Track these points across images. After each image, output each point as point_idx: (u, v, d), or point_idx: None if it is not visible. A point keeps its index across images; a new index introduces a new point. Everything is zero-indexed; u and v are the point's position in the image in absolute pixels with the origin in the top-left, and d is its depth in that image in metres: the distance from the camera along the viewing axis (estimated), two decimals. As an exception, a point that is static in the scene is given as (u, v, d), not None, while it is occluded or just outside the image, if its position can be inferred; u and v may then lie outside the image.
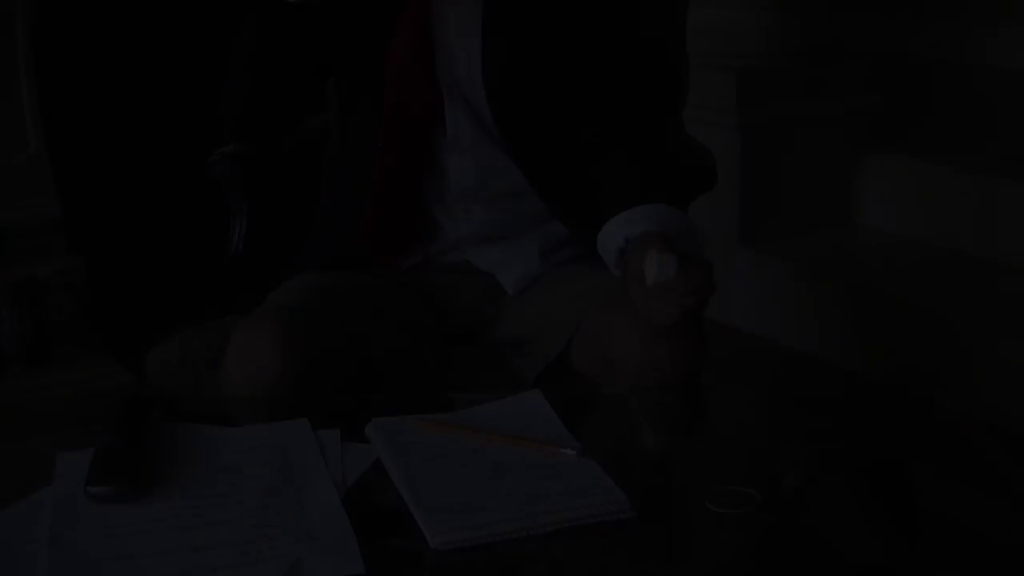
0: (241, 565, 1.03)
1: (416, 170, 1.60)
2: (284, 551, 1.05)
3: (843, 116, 3.13)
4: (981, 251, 2.89)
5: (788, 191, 3.08)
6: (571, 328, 1.52)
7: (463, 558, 1.05)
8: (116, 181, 3.23)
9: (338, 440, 1.24)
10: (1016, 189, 2.81)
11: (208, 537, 1.07)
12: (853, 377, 2.73)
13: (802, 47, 3.12)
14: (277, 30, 1.54)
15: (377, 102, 1.56)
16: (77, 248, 2.77)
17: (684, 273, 1.32)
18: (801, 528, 1.07)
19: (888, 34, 3.21)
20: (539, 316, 1.57)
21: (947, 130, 3.29)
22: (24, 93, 2.68)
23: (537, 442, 1.22)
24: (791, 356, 2.91)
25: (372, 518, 1.11)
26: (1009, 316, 2.57)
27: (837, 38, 3.28)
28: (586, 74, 1.56)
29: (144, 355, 1.67)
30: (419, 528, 1.08)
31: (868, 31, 3.26)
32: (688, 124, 1.88)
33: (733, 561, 1.10)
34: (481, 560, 1.05)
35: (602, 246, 1.49)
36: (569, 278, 1.60)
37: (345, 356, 1.50)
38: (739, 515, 1.11)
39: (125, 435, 1.18)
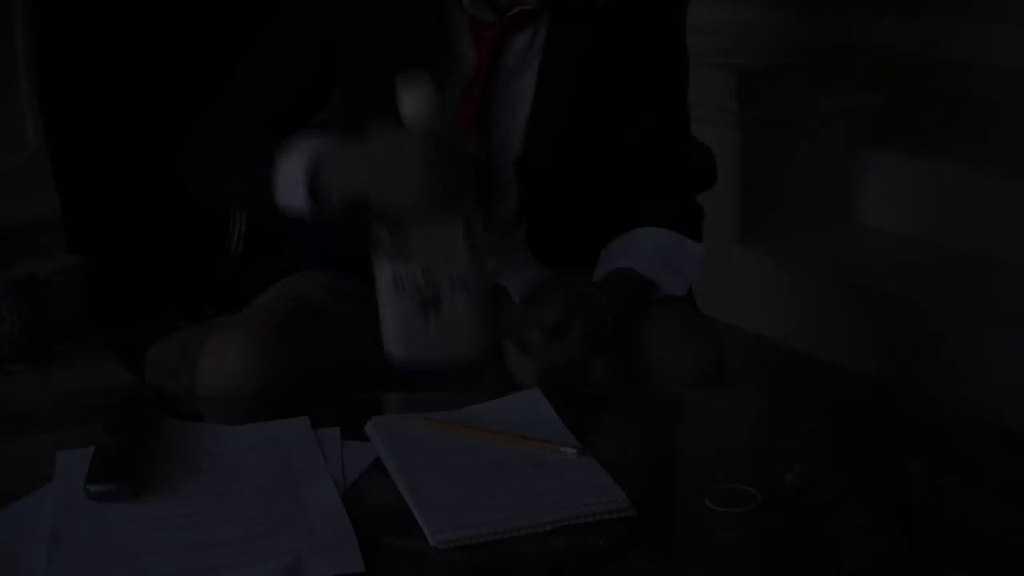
0: (241, 564, 1.03)
1: None
2: (284, 550, 1.04)
3: (843, 114, 3.13)
4: (981, 250, 2.89)
5: (788, 190, 3.08)
6: None
7: (463, 557, 1.05)
8: (116, 180, 3.24)
9: (338, 439, 1.24)
10: (1016, 188, 2.81)
11: (208, 536, 1.07)
12: (853, 376, 2.73)
13: (802, 45, 3.12)
14: None
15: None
16: (77, 248, 2.77)
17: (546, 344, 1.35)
18: (801, 528, 1.07)
19: (888, 32, 3.21)
20: None
21: (947, 129, 3.29)
22: (24, 91, 2.68)
23: (537, 441, 1.22)
24: (791, 355, 2.91)
25: (372, 517, 1.11)
26: (1009, 315, 2.57)
27: (837, 36, 3.28)
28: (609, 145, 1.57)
29: (144, 355, 1.67)
30: (419, 527, 1.08)
31: (867, 29, 3.26)
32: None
33: (733, 561, 1.10)
34: (481, 559, 1.05)
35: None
36: (575, 282, 1.59)
37: (322, 376, 1.46)
38: (739, 515, 1.11)
39: (125, 434, 1.18)
